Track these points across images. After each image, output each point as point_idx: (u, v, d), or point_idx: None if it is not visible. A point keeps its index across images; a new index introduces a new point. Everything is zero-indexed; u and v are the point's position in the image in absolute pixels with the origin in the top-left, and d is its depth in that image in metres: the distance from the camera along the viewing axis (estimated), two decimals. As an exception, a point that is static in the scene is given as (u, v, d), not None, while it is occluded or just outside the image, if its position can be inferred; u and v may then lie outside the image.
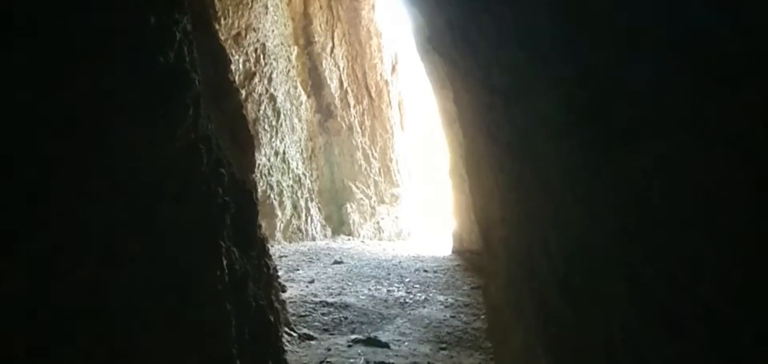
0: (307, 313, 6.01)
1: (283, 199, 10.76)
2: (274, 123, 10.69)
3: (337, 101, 12.47)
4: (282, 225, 10.64)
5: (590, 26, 1.92)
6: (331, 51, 12.48)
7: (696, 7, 1.43)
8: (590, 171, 2.14)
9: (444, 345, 5.30)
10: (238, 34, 9.88)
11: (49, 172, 2.01)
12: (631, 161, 1.82)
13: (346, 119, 12.56)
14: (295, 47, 11.83)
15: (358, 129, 12.72)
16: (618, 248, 1.99)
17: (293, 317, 5.67)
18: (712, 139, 1.41)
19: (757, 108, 1.27)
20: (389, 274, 8.04)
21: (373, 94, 13.11)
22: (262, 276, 3.84)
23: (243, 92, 9.30)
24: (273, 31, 10.75)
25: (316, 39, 12.21)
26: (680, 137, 1.54)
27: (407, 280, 7.71)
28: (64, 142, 2.04)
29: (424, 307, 6.45)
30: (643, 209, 1.77)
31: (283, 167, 10.92)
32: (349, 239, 11.64)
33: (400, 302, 6.59)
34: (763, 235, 1.27)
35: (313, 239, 11.23)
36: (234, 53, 9.44)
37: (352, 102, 12.71)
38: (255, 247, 3.67)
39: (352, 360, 4.82)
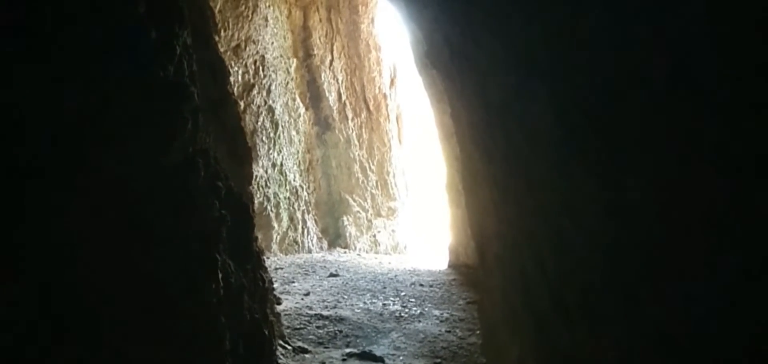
0: (302, 326, 5.99)
1: (280, 211, 10.75)
2: (272, 135, 10.70)
3: (335, 114, 12.50)
4: (278, 237, 10.62)
5: (585, 46, 1.94)
6: (330, 64, 12.53)
7: (691, 29, 1.45)
8: (585, 189, 2.15)
9: (439, 360, 5.28)
10: (238, 46, 9.92)
11: (47, 182, 2.01)
12: (626, 180, 1.83)
13: (344, 132, 12.58)
14: (294, 59, 11.87)
15: (356, 142, 12.74)
16: (613, 267, 2.00)
17: (288, 330, 5.65)
18: (707, 161, 1.43)
19: (750, 131, 1.28)
20: (385, 287, 8.02)
21: (371, 108, 13.14)
22: (258, 289, 3.84)
23: (241, 104, 9.32)
24: (272, 43, 10.80)
25: (316, 52, 12.26)
26: (676, 157, 1.56)
27: (403, 294, 7.69)
28: (62, 153, 2.05)
29: (420, 321, 6.44)
30: (638, 228, 1.79)
31: (280, 179, 10.92)
32: (345, 252, 11.62)
33: (396, 316, 6.57)
34: (758, 257, 1.28)
35: (309, 251, 11.21)
36: (233, 65, 9.47)
37: (350, 115, 12.74)
38: (251, 260, 3.68)
39: (346, 374, 4.81)
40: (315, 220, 11.87)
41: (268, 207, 10.43)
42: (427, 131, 11.99)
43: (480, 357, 5.22)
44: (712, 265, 1.43)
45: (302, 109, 11.93)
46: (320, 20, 12.39)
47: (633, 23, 1.65)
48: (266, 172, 10.51)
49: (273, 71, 10.78)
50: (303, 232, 11.27)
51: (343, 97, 12.71)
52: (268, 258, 8.04)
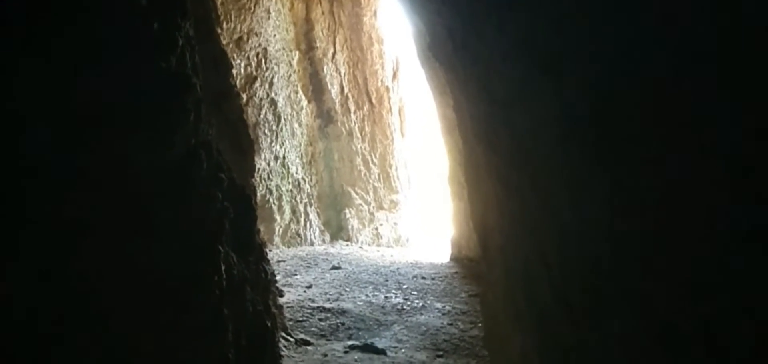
0: (305, 318, 6.01)
1: (282, 203, 10.76)
2: (274, 128, 10.70)
3: (337, 107, 12.49)
4: (281, 230, 10.63)
5: (589, 39, 1.93)
6: (333, 56, 12.51)
7: (694, 22, 1.44)
8: (588, 182, 2.15)
9: (441, 352, 5.30)
10: (240, 38, 9.91)
11: (49, 174, 2.02)
12: (630, 175, 1.83)
13: (347, 125, 12.57)
14: (297, 52, 11.85)
15: (358, 135, 12.72)
16: (616, 262, 2.00)
17: (290, 322, 5.67)
18: (714, 155, 1.42)
19: (756, 121, 1.28)
20: (387, 280, 8.04)
21: (374, 100, 13.11)
22: (260, 281, 3.84)
23: (244, 96, 9.31)
24: (275, 35, 10.77)
25: (318, 44, 12.24)
26: (681, 152, 1.55)
27: (405, 286, 7.70)
28: (64, 145, 2.04)
29: (422, 314, 6.45)
30: (641, 221, 1.78)
31: (282, 172, 10.92)
32: (347, 245, 11.63)
33: (398, 309, 6.59)
34: (763, 251, 1.28)
35: (312, 244, 11.22)
36: (235, 57, 9.46)
37: (352, 108, 12.72)
38: (253, 252, 3.68)
39: (348, 366, 4.82)
40: (317, 213, 11.88)
41: (271, 200, 10.44)
42: (429, 124, 11.98)
43: (482, 350, 5.23)
44: (716, 258, 1.43)
45: (304, 102, 11.92)
46: (322, 13, 12.36)
47: (637, 17, 1.64)
48: (269, 164, 10.51)
49: (275, 64, 10.76)
50: (305, 225, 11.28)
51: (346, 90, 12.69)
52: (270, 251, 8.05)
